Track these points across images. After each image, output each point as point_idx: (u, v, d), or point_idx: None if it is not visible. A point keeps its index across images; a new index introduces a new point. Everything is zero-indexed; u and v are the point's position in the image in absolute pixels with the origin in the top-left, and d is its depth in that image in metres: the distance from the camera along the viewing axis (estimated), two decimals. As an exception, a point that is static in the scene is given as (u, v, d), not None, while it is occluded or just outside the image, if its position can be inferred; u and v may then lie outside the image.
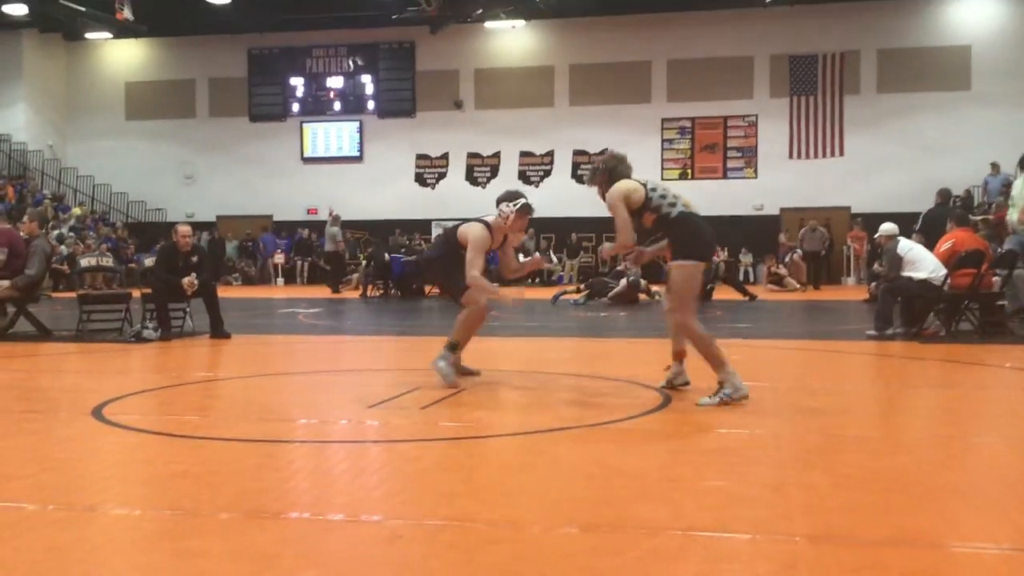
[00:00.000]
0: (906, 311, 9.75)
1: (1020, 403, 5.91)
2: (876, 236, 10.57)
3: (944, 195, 14.76)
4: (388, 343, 10.65)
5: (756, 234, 24.84)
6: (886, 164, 24.96)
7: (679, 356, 5.93)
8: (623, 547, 2.96)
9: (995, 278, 9.86)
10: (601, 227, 25.93)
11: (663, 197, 5.58)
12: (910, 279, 9.46)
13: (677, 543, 3.00)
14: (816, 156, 25.66)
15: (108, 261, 11.99)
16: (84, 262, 11.71)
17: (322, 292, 22.17)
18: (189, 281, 10.01)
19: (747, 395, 5.40)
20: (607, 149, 7.23)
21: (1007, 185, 22.37)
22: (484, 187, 27.62)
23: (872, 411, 5.79)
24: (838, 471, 3.94)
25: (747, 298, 16.61)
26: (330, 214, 23.34)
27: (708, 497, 3.55)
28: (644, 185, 5.62)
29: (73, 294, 11.80)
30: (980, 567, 2.82)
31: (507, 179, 27.40)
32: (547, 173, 27.32)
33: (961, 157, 23.94)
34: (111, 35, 28.31)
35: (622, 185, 5.61)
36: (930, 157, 24.43)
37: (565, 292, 17.09)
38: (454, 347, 6.50)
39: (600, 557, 2.87)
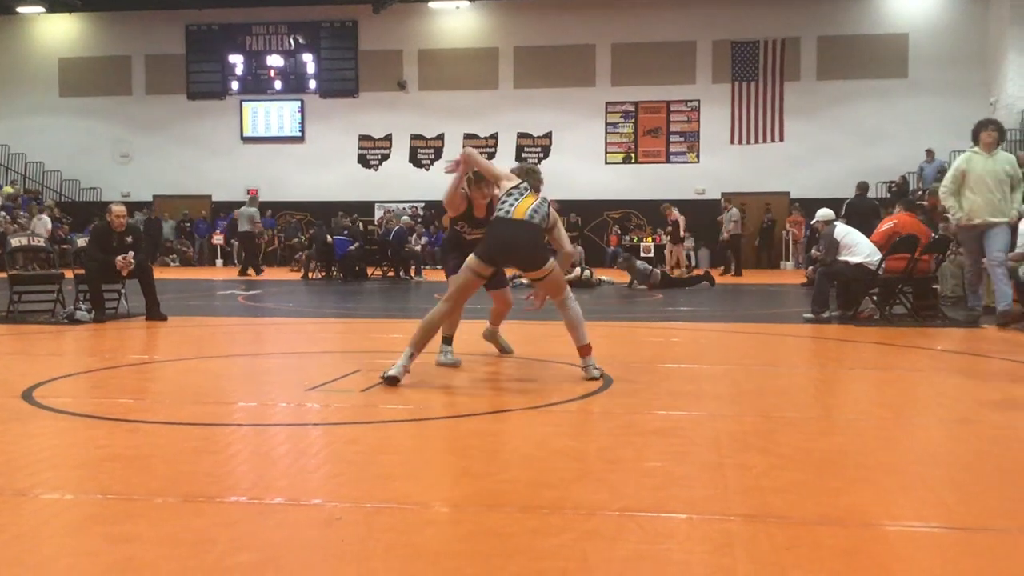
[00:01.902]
0: (842, 294, 9.93)
1: (951, 385, 6.05)
2: (813, 222, 10.84)
3: (863, 187, 15.77)
4: (329, 325, 10.56)
5: (698, 218, 25.09)
6: (825, 150, 25.35)
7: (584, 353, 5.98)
8: (561, 528, 2.97)
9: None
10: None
11: (500, 208, 5.89)
12: (846, 263, 9.63)
13: (615, 523, 3.02)
14: (757, 141, 25.96)
15: (40, 241, 11.69)
16: (15, 242, 11.40)
17: (264, 273, 21.90)
18: (124, 260, 9.83)
19: (393, 377, 5.56)
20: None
21: (942, 172, 22.90)
22: (428, 169, 27.49)
23: (808, 392, 5.89)
24: (774, 451, 4.00)
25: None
26: (248, 193, 22.76)
27: (646, 478, 3.58)
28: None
29: (3, 274, 11.50)
30: (910, 545, 2.88)
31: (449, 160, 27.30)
32: (491, 155, 27.21)
33: (897, 144, 24.41)
34: (44, 9, 27.57)
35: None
36: (867, 144, 24.88)
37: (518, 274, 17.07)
38: (447, 340, 6.67)
39: (538, 538, 2.88)
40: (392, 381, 5.52)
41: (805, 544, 2.83)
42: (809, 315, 9.82)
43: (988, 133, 8.94)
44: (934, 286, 10.17)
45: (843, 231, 9.96)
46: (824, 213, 10.44)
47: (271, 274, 22.02)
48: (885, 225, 10.09)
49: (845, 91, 25.39)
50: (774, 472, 3.64)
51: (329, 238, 19.95)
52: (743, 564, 2.67)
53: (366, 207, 26.90)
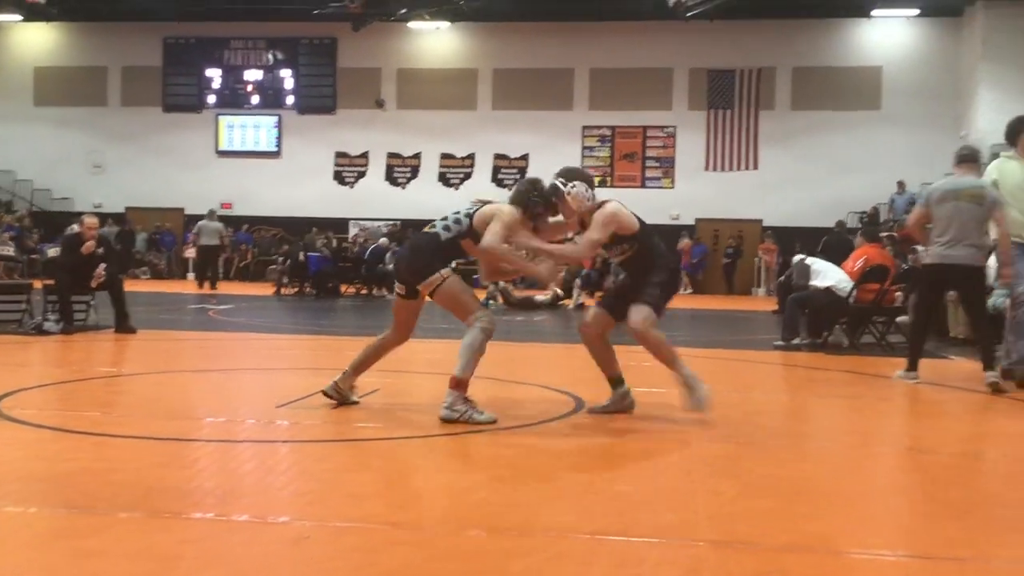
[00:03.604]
0: (812, 322, 10.02)
1: (917, 414, 6.11)
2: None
3: (840, 224, 16.55)
4: (301, 342, 10.51)
5: (672, 243, 25.27)
6: (798, 179, 25.59)
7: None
8: (530, 550, 2.97)
9: (897, 293, 10.21)
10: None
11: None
12: (817, 288, 9.73)
13: (584, 547, 3.02)
14: (731, 169, 26.17)
15: (10, 250, 11.59)
16: (-16, 251, 11.29)
17: (236, 288, 21.80)
18: (98, 272, 9.81)
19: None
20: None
21: (912, 203, 23.21)
22: (404, 187, 27.49)
23: (777, 419, 5.93)
24: (743, 478, 4.02)
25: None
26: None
27: (616, 501, 3.59)
28: None
29: (-29, 283, 11.35)
30: (876, 573, 2.91)
31: (427, 180, 27.36)
32: (467, 176, 27.30)
33: (869, 175, 24.69)
34: (20, 17, 27.37)
35: None
36: (840, 174, 25.15)
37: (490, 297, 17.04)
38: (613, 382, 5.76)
39: (507, 560, 2.87)
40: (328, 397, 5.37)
41: (772, 570, 2.85)
42: (779, 342, 9.89)
43: None
44: (898, 319, 10.25)
45: (811, 260, 10.29)
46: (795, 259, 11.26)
47: (243, 289, 21.90)
48: (857, 263, 10.10)
49: (819, 121, 25.67)
50: (743, 498, 3.66)
51: (302, 255, 19.88)
52: (711, 589, 2.68)
53: (341, 224, 26.82)
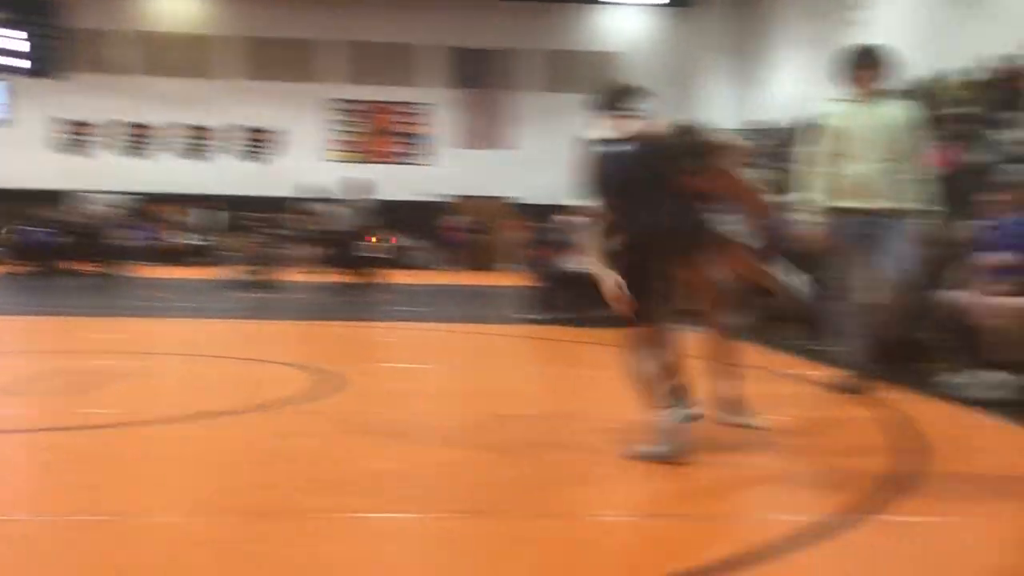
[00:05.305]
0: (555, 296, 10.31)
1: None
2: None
3: None
4: (22, 323, 9.68)
5: (426, 220, 25.45)
6: (553, 159, 26.37)
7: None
8: (283, 532, 2.86)
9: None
10: (273, 206, 25.33)
11: None
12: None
13: (340, 525, 2.96)
14: (488, 147, 26.68)
15: None
16: None
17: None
18: None
19: None
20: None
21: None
22: (144, 159, 25.98)
23: (534, 390, 6.07)
24: (500, 448, 4.07)
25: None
26: None
27: (373, 479, 3.54)
28: None
29: None
30: (619, 534, 3.03)
31: (168, 152, 26.03)
32: (212, 148, 26.19)
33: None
34: None
35: None
36: (586, 154, 26.25)
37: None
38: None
39: (258, 544, 2.77)
40: None
41: (525, 538, 2.90)
42: (534, 316, 10.12)
43: None
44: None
45: None
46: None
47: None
48: None
49: (568, 103, 26.62)
50: (498, 469, 3.72)
51: (27, 229, 18.44)
52: (465, 559, 2.69)
53: (71, 197, 25.02)
